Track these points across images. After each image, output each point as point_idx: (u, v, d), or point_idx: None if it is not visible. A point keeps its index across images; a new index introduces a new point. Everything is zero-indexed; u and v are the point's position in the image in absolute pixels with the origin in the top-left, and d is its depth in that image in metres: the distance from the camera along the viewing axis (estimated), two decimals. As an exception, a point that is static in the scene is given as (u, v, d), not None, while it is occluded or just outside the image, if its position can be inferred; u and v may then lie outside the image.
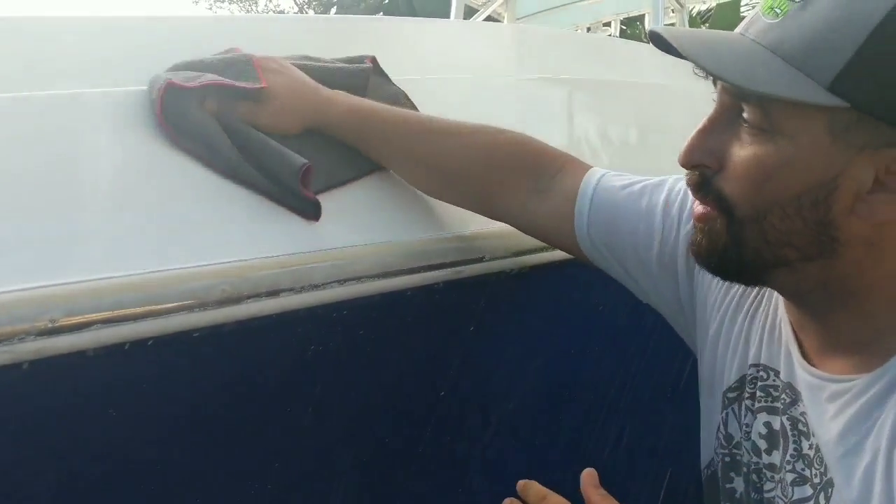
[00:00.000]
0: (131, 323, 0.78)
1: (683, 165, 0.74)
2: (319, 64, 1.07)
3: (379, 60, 1.15)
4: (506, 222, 1.04)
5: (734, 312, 0.88)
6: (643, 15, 4.66)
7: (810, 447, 0.76)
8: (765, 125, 0.68)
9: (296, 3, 17.31)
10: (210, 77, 0.93)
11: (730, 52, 0.68)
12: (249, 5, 18.11)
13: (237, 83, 0.94)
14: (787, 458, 0.79)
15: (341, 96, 1.03)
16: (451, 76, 1.33)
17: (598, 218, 0.95)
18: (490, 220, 1.07)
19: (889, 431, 0.66)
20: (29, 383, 0.74)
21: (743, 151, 0.69)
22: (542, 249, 1.14)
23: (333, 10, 16.21)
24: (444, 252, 1.04)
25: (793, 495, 0.78)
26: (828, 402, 0.73)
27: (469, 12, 4.17)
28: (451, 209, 1.08)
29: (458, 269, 1.05)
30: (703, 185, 0.73)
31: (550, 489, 0.91)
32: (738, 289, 0.89)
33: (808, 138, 0.66)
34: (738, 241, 0.72)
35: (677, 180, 0.92)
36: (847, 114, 0.64)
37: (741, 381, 0.86)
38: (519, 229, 1.04)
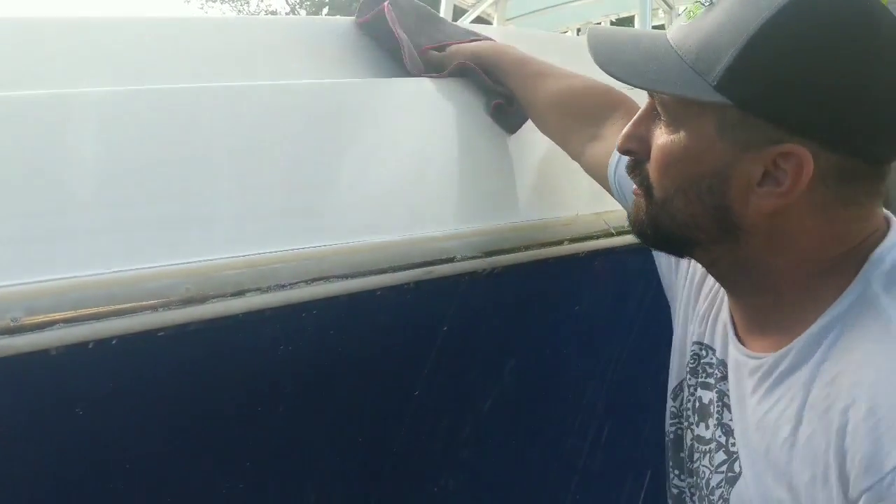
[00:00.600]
0: (94, 322, 0.78)
1: (619, 151, 0.83)
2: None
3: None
4: (576, 161, 1.15)
5: (697, 289, 0.95)
6: (633, 16, 4.68)
7: (730, 419, 0.82)
8: (667, 117, 0.75)
9: (287, 2, 17.30)
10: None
11: (634, 50, 0.77)
12: (241, 5, 18.08)
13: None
14: (712, 428, 0.86)
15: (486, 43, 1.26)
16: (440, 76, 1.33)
17: (621, 181, 1.02)
18: (460, 220, 1.08)
19: (794, 411, 0.71)
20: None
21: (657, 141, 0.76)
22: (512, 250, 1.14)
23: (325, 10, 16.21)
24: (414, 252, 1.04)
25: (713, 462, 0.85)
26: (747, 378, 0.79)
27: (458, 13, 4.18)
28: (424, 209, 1.08)
29: (429, 269, 1.05)
30: (634, 168, 0.82)
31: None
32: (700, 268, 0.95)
33: (700, 132, 0.72)
34: (654, 221, 0.79)
35: None
36: (734, 112, 0.69)
37: (689, 359, 0.93)
38: (584, 169, 1.14)
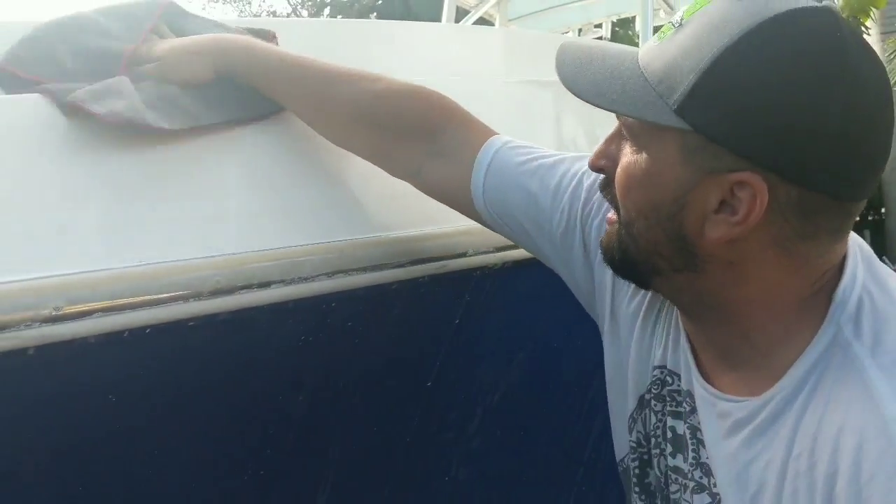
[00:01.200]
0: (130, 312, 0.83)
1: (591, 169, 0.80)
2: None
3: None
4: (406, 181, 1.02)
5: (647, 313, 0.89)
6: (634, 17, 4.70)
7: (707, 458, 0.79)
8: (631, 139, 0.72)
9: (289, 2, 17.32)
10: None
11: (601, 68, 0.74)
12: (243, 6, 18.11)
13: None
14: (689, 464, 0.82)
15: (242, 39, 1.04)
16: (440, 79, 1.37)
17: (492, 196, 0.95)
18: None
19: (778, 466, 0.69)
20: (34, 368, 0.78)
21: (622, 161, 0.74)
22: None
23: (327, 10, 16.23)
24: (429, 247, 1.08)
25: (693, 502, 0.81)
26: (719, 419, 0.76)
27: (461, 13, 4.21)
28: (437, 207, 1.12)
29: (443, 263, 1.09)
30: (605, 186, 0.79)
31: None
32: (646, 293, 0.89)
33: (661, 156, 0.70)
34: (621, 245, 0.76)
35: (574, 160, 0.93)
36: (696, 137, 0.66)
37: (652, 384, 0.88)
38: (419, 189, 1.02)
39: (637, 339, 0.89)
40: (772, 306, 0.71)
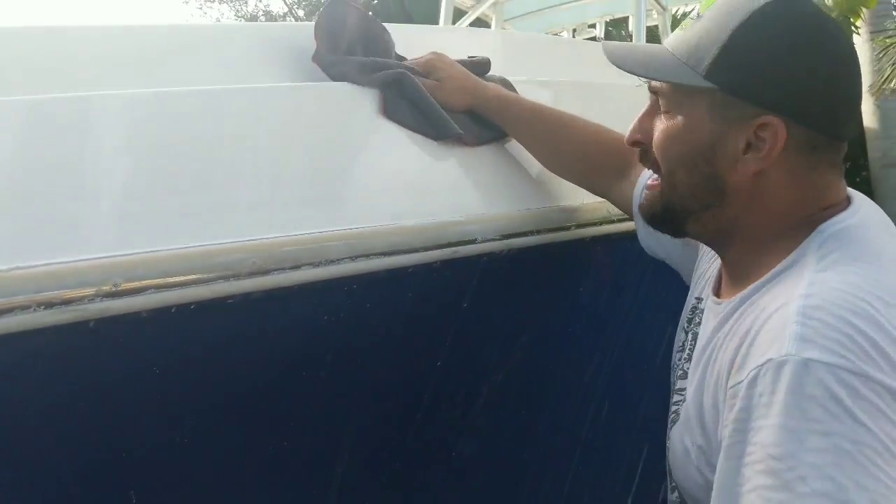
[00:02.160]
0: (178, 289, 0.92)
1: (627, 144, 1.01)
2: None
3: None
4: (600, 196, 1.37)
5: (699, 263, 1.14)
6: (627, 18, 4.79)
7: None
8: (669, 107, 0.94)
9: (285, 3, 17.36)
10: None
11: (644, 54, 0.98)
12: (240, 5, 18.14)
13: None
14: (683, 358, 1.05)
15: (493, 87, 1.38)
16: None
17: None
18: (482, 206, 1.22)
19: (729, 355, 0.84)
20: (94, 338, 0.88)
21: (659, 126, 0.95)
22: (526, 233, 1.28)
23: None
24: (442, 234, 1.17)
25: (677, 384, 1.04)
26: (711, 321, 0.95)
27: (458, 14, 4.29)
28: (450, 197, 1.22)
29: (454, 249, 1.19)
30: (643, 156, 1.00)
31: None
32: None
33: (694, 113, 0.91)
34: (663, 199, 0.97)
35: None
36: (720, 95, 0.88)
37: (688, 311, 1.11)
38: (609, 201, 1.36)
39: (692, 287, 1.14)
40: (772, 232, 0.90)
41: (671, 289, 1.26)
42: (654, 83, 0.96)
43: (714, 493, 0.77)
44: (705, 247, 1.12)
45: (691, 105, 0.91)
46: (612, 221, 1.45)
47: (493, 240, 1.24)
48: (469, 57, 1.45)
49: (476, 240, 1.21)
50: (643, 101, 1.00)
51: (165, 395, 0.96)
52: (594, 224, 1.43)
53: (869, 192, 9.65)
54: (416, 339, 1.23)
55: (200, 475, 1.04)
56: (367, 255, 1.08)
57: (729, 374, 0.81)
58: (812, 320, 0.74)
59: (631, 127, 1.00)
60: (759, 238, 0.92)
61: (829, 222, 0.87)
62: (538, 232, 1.31)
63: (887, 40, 8.69)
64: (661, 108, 0.95)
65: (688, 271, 1.19)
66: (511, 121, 1.36)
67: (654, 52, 0.97)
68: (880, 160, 9.30)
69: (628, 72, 0.96)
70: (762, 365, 0.74)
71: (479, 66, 1.44)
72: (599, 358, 1.54)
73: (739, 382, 0.76)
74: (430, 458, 1.37)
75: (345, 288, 1.09)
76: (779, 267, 0.87)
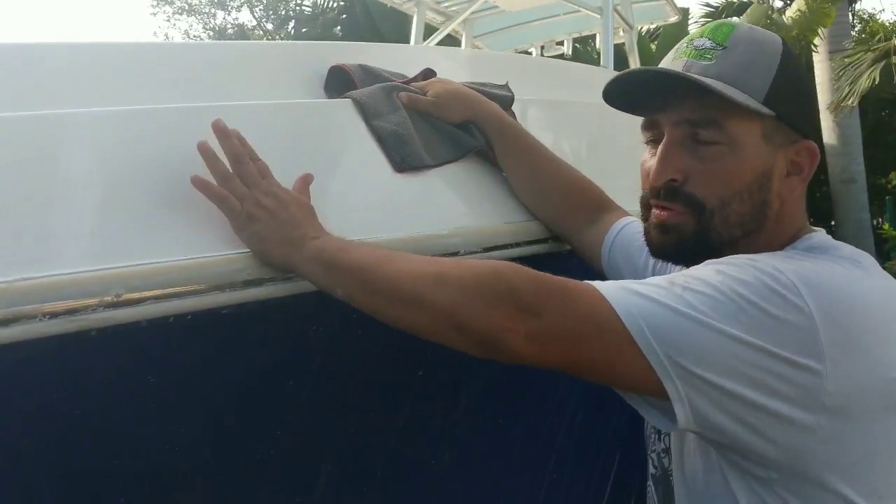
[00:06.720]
0: (176, 300, 0.95)
1: (656, 184, 0.98)
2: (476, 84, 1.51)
3: None
4: (564, 240, 1.42)
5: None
6: (595, 34, 4.87)
7: None
8: (720, 138, 0.94)
9: (254, 16, 17.34)
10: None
11: (691, 79, 0.94)
12: (208, 18, 18.09)
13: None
14: None
15: (492, 105, 1.43)
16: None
17: (615, 254, 1.31)
18: (464, 219, 1.27)
19: None
20: (96, 348, 0.91)
21: (708, 162, 0.95)
22: (505, 246, 1.33)
23: (291, 23, 16.29)
24: (426, 246, 1.21)
25: None
26: None
27: (429, 30, 4.34)
28: (432, 210, 1.26)
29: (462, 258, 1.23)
30: (673, 193, 0.97)
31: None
32: None
33: (750, 142, 0.94)
34: (705, 229, 0.96)
35: None
36: (771, 122, 0.94)
37: None
38: (570, 245, 1.42)
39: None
40: (779, 247, 0.95)
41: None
42: (687, 115, 0.95)
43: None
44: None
45: (747, 133, 0.94)
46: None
47: (475, 252, 1.28)
48: (497, 85, 1.56)
49: (459, 252, 1.25)
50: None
51: (165, 401, 0.99)
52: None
53: (829, 206, 9.88)
54: (404, 347, 1.27)
55: (202, 483, 1.06)
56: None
57: None
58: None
59: (656, 168, 0.98)
60: (768, 240, 0.97)
61: (806, 237, 0.97)
62: (518, 245, 1.36)
63: (846, 59, 8.93)
64: (703, 139, 0.94)
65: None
66: (502, 144, 1.41)
67: (701, 82, 0.92)
68: (839, 175, 9.54)
69: (706, 87, 0.91)
70: None
71: (503, 100, 1.52)
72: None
73: None
74: (422, 463, 1.40)
75: (335, 298, 1.12)
76: None
